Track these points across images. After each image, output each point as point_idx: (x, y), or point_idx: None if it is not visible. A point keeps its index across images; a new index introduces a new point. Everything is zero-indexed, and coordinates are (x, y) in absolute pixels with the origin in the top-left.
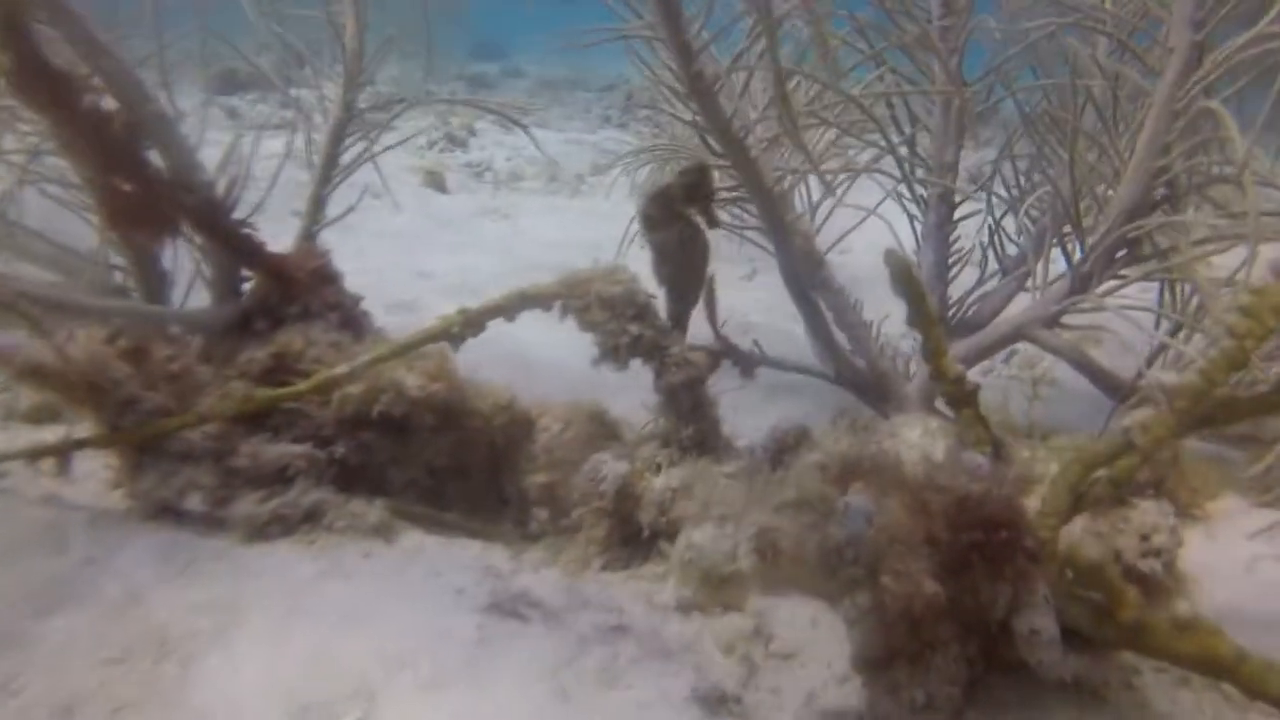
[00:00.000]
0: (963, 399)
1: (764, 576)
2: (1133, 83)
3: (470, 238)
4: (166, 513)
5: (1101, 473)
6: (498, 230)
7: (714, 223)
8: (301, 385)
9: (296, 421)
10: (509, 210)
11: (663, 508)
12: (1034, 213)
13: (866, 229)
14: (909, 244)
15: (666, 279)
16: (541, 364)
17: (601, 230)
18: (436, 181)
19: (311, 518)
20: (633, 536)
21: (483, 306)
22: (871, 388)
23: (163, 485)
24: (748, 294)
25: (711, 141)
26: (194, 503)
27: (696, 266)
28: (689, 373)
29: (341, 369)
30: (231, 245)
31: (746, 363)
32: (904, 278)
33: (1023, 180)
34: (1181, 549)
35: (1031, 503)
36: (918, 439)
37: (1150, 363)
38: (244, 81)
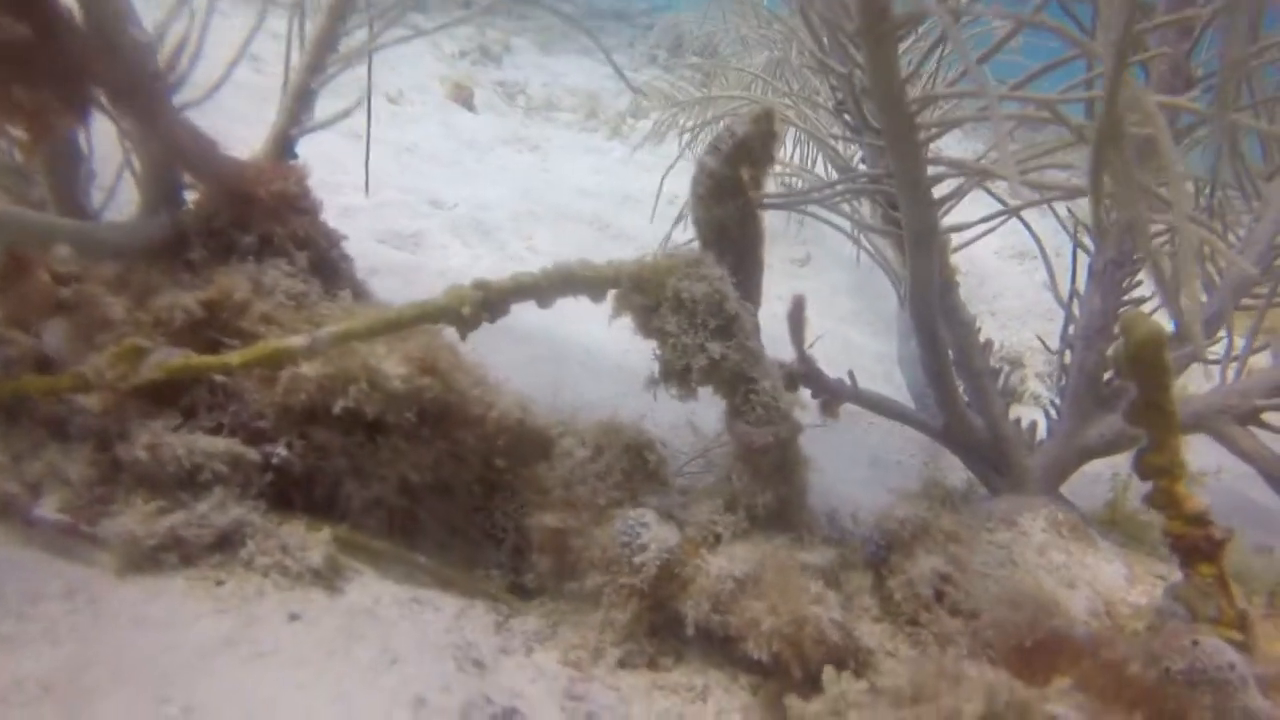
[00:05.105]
0: (1201, 550)
1: None
2: None
3: (492, 167)
4: (11, 514)
5: None
6: (525, 163)
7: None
8: (234, 356)
9: (224, 403)
10: (539, 142)
11: (718, 602)
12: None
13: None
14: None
15: (729, 270)
16: (575, 350)
17: (644, 183)
18: (463, 97)
19: (225, 545)
20: (665, 626)
21: (510, 283)
22: (986, 453)
23: (10, 471)
24: (800, 283)
25: (865, 111)
26: (54, 504)
27: (759, 251)
28: (780, 430)
29: (299, 340)
30: (166, 136)
31: (832, 395)
32: (1151, 356)
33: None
34: None
35: None
36: (1040, 535)
37: None
38: None
